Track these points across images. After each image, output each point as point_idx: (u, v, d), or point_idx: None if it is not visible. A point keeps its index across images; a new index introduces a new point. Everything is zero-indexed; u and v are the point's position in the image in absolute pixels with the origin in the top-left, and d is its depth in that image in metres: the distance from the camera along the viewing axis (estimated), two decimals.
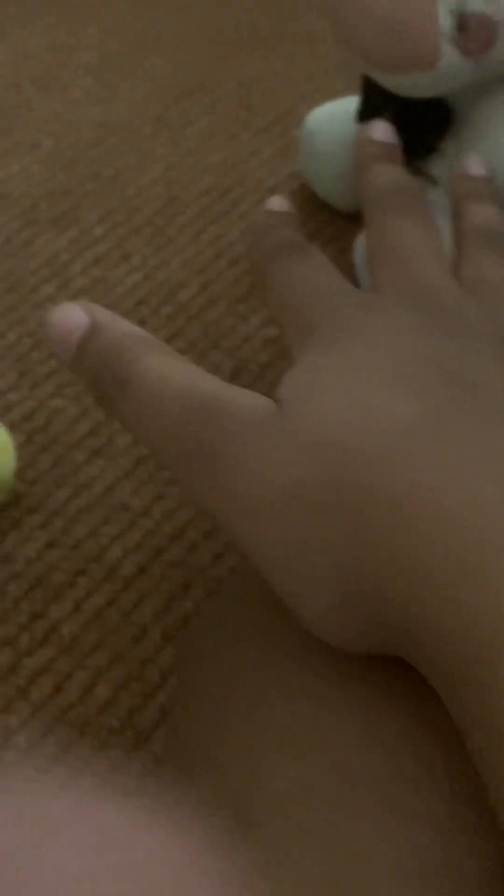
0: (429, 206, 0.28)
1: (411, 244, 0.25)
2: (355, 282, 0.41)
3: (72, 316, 0.23)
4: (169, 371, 0.21)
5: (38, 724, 0.30)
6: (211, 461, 0.20)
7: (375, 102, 0.38)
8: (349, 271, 0.42)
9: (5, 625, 0.32)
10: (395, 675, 0.19)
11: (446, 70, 0.32)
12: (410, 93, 0.33)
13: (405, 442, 0.18)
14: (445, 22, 0.30)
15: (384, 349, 0.20)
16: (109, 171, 0.48)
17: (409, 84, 0.33)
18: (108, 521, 0.35)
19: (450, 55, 0.31)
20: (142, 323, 0.41)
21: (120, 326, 0.23)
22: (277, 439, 0.19)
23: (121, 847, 0.11)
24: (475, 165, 0.31)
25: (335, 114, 0.43)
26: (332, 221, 0.44)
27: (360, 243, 0.40)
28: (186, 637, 0.30)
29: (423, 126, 0.36)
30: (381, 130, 0.31)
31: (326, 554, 0.18)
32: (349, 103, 0.43)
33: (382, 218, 0.26)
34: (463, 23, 0.30)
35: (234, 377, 0.39)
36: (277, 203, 0.29)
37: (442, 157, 0.36)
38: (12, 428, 0.37)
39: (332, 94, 0.51)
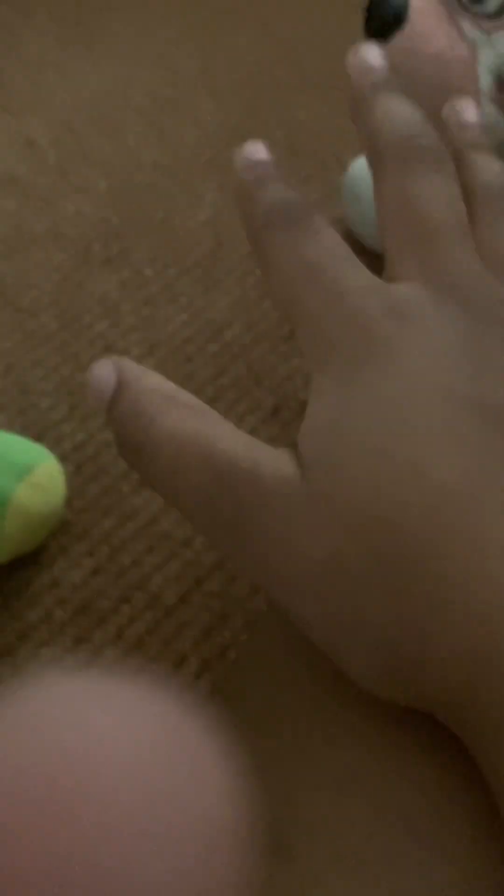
0: (450, 159, 0.23)
1: (437, 214, 0.21)
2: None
3: (101, 375, 0.22)
4: (186, 434, 0.20)
5: None
6: (238, 534, 0.19)
7: None
8: None
9: (51, 648, 0.34)
10: (433, 721, 0.19)
11: (485, 126, 0.33)
12: None
13: (448, 513, 0.17)
14: (485, 82, 0.32)
15: (420, 384, 0.18)
16: (160, 214, 0.50)
17: None
18: (152, 550, 0.36)
19: (489, 112, 0.33)
20: (188, 360, 0.43)
21: (142, 384, 0.21)
22: (307, 510, 0.18)
23: (149, 718, 0.12)
24: (469, 111, 0.25)
25: None
26: (372, 266, 0.46)
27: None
28: (228, 671, 0.31)
29: None
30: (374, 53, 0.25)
31: (372, 630, 0.17)
32: None
33: (403, 173, 0.22)
34: (502, 83, 0.32)
35: (274, 413, 0.40)
36: (259, 150, 0.24)
37: None
38: (63, 458, 0.39)
39: None
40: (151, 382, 0.21)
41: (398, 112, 0.23)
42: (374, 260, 0.46)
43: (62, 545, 0.36)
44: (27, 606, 0.35)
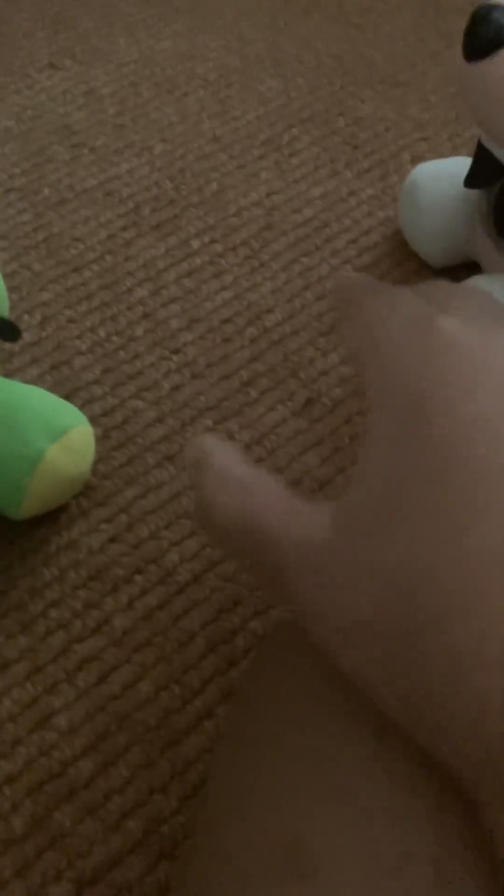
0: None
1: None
2: None
3: (189, 454, 0.24)
4: (235, 508, 0.22)
5: (80, 708, 0.32)
6: (275, 586, 0.20)
7: (486, 173, 0.39)
8: None
9: (61, 609, 0.34)
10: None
11: None
12: None
13: (477, 582, 0.17)
14: None
15: (471, 453, 0.18)
16: (214, 187, 0.50)
17: None
18: (171, 526, 0.36)
19: None
20: (226, 341, 0.43)
21: (210, 462, 0.23)
22: (347, 572, 0.19)
23: None
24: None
25: (441, 171, 0.44)
26: (420, 273, 0.46)
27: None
28: (239, 681, 0.32)
29: None
30: None
31: (396, 689, 0.18)
32: (455, 164, 0.44)
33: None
34: None
35: (306, 406, 0.40)
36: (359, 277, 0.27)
37: None
38: (91, 421, 0.39)
39: (437, 148, 0.52)
40: (211, 460, 0.23)
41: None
42: (420, 268, 0.46)
43: (83, 509, 0.37)
44: (42, 564, 0.35)
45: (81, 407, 0.40)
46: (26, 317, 0.43)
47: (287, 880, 0.19)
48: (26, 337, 0.42)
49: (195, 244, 0.47)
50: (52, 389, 0.40)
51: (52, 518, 0.36)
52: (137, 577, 0.35)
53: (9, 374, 0.40)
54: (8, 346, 0.42)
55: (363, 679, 0.19)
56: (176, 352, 0.42)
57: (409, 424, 0.19)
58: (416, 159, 0.51)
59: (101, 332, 0.43)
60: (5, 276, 0.44)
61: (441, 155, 0.51)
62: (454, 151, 0.52)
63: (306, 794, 0.20)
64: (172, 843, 0.29)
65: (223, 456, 0.23)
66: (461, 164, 0.44)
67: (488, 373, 0.19)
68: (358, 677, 0.19)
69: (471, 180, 0.41)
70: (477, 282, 0.40)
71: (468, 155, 0.42)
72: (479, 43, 0.32)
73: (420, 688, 0.18)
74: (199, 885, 0.21)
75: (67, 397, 0.40)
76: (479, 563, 0.17)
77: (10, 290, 0.44)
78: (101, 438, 0.39)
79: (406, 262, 0.46)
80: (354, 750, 0.20)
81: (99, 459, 0.38)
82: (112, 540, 0.36)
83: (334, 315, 0.44)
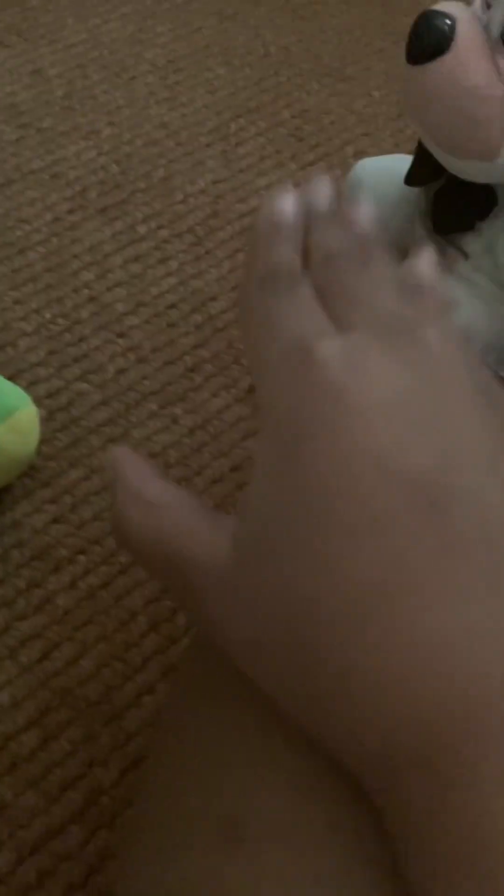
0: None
1: (357, 284, 0.23)
2: None
3: (107, 469, 0.25)
4: (145, 529, 0.22)
5: (22, 684, 0.32)
6: (184, 601, 0.21)
7: (426, 172, 0.41)
8: None
9: (4, 587, 0.35)
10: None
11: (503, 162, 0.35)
12: (465, 175, 0.36)
13: (355, 605, 0.18)
14: None
15: (354, 465, 0.19)
16: (161, 173, 0.50)
17: (466, 168, 0.36)
18: None
19: None
20: (171, 326, 0.43)
21: (120, 480, 0.23)
22: (233, 594, 0.20)
23: None
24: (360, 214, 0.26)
25: (382, 168, 0.46)
26: None
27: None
28: (180, 659, 0.33)
29: (466, 204, 0.39)
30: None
31: (293, 702, 0.19)
32: (397, 161, 0.46)
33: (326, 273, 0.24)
34: None
35: (249, 393, 0.42)
36: (286, 208, 0.25)
37: (478, 235, 0.39)
38: (36, 403, 0.39)
39: (380, 143, 0.54)
40: (127, 479, 0.23)
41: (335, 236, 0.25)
42: None
43: (27, 489, 0.37)
44: None
45: (26, 388, 0.40)
46: None
47: (220, 848, 0.20)
48: None
49: (141, 229, 0.47)
50: None
51: None
52: (80, 557, 0.36)
53: None
54: None
55: (266, 688, 0.20)
56: (121, 335, 0.43)
57: (287, 457, 0.20)
58: (359, 154, 0.52)
59: (47, 314, 0.43)
60: None
61: (383, 151, 0.53)
62: (396, 148, 0.53)
63: (240, 770, 0.21)
64: (112, 813, 0.30)
65: (136, 471, 0.23)
66: (403, 161, 0.46)
67: (357, 412, 0.20)
68: (262, 686, 0.20)
69: (411, 178, 0.42)
70: None
71: (410, 152, 0.43)
72: (421, 47, 0.33)
73: (312, 702, 0.19)
74: (138, 854, 0.22)
75: (12, 378, 0.40)
76: (356, 589, 0.18)
77: None
78: (46, 420, 0.39)
79: None
80: (284, 729, 0.21)
81: (43, 441, 0.38)
82: (56, 521, 0.36)
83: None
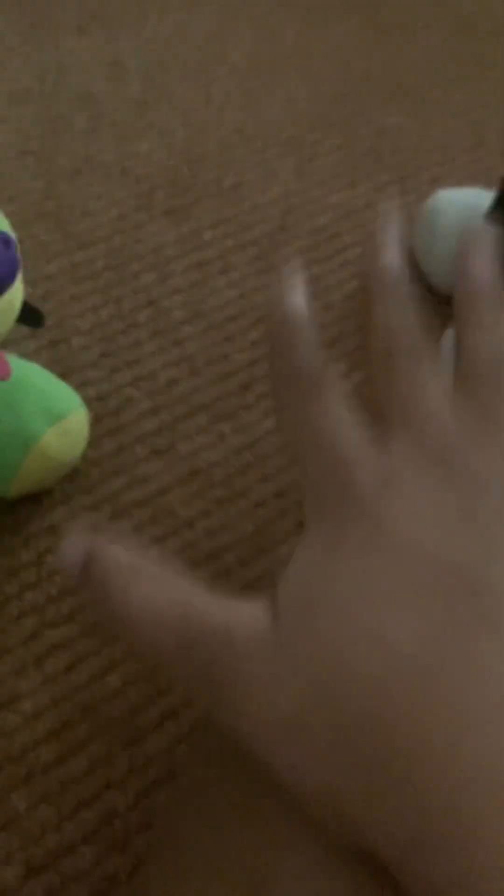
0: (431, 349, 0.24)
1: (422, 391, 0.23)
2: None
3: (70, 551, 0.22)
4: (160, 604, 0.21)
5: (45, 695, 0.32)
6: (213, 687, 0.20)
7: None
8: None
9: (36, 592, 0.34)
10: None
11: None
12: None
13: (399, 683, 0.18)
14: None
15: (394, 550, 0.20)
16: (231, 180, 0.49)
17: None
18: (155, 521, 0.36)
19: None
20: (227, 339, 0.43)
21: (109, 557, 0.22)
22: (275, 663, 0.19)
23: None
24: (480, 272, 0.25)
25: (460, 200, 0.45)
26: (424, 296, 0.46)
27: (450, 335, 0.42)
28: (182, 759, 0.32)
29: None
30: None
31: (325, 779, 0.19)
32: (475, 195, 0.45)
33: (390, 360, 0.24)
34: None
35: None
36: (299, 306, 0.26)
37: None
38: (85, 404, 0.39)
39: (456, 171, 0.53)
40: (119, 555, 0.23)
41: (401, 313, 0.25)
42: (430, 294, 0.46)
43: (67, 493, 0.36)
44: (21, 546, 0.35)
45: (76, 388, 0.39)
46: (29, 288, 0.43)
47: None
48: None
49: (207, 236, 0.46)
50: (47, 367, 0.40)
51: (34, 499, 0.36)
52: None
53: (5, 346, 0.40)
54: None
55: (291, 777, 0.19)
56: (176, 344, 0.42)
57: (332, 543, 0.20)
58: (435, 180, 0.51)
59: (104, 314, 0.42)
60: None
61: (459, 179, 0.52)
62: (471, 178, 0.52)
63: (270, 837, 0.21)
64: (125, 837, 0.30)
65: (122, 552, 0.22)
66: (480, 196, 0.45)
67: (397, 530, 0.21)
68: (285, 775, 0.19)
69: (493, 215, 0.41)
70: None
71: (486, 184, 0.42)
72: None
73: (351, 781, 0.18)
74: (158, 889, 0.22)
75: (63, 376, 0.40)
76: (394, 656, 0.18)
77: None
78: (93, 423, 0.38)
79: (418, 292, 0.47)
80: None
81: (88, 444, 0.38)
82: (94, 528, 0.36)
83: (335, 331, 0.44)
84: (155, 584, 0.21)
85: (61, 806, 0.30)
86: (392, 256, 0.26)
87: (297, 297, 0.25)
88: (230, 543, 0.36)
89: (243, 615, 0.20)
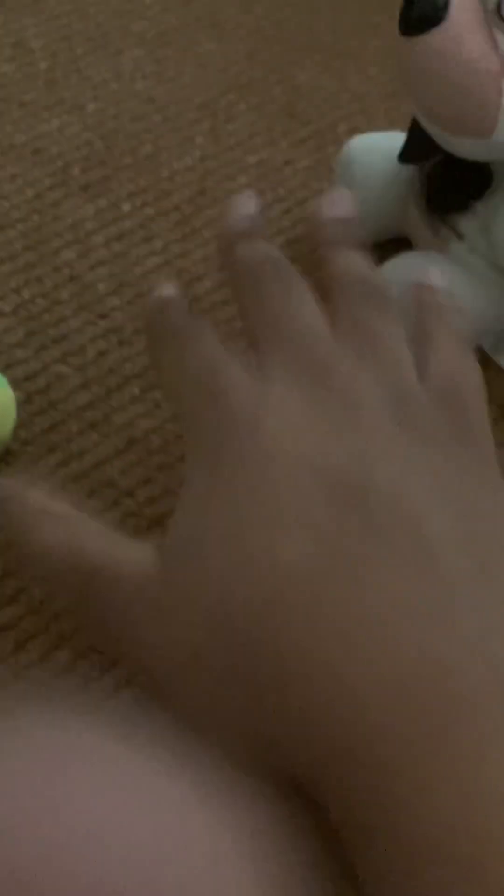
0: (298, 276, 0.26)
1: (292, 312, 0.24)
2: None
3: None
4: (55, 545, 0.21)
5: None
6: (108, 631, 0.20)
7: (420, 149, 0.40)
8: None
9: None
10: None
11: (500, 140, 0.33)
12: (460, 153, 0.35)
13: (285, 592, 0.18)
14: None
15: (274, 463, 0.19)
16: (147, 149, 0.49)
17: (461, 146, 0.34)
18: (93, 494, 0.36)
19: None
20: None
21: (16, 498, 0.23)
22: (165, 609, 0.19)
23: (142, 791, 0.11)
24: (341, 206, 0.28)
25: (376, 145, 0.44)
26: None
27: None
28: None
29: (461, 183, 0.38)
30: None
31: (234, 715, 0.18)
32: (391, 139, 0.44)
33: (258, 287, 0.25)
34: None
35: None
36: (168, 289, 0.28)
37: (473, 215, 0.38)
38: (13, 385, 0.38)
39: (374, 119, 0.52)
40: (30, 497, 0.23)
41: (259, 247, 0.27)
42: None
43: (3, 474, 0.36)
44: None
45: (3, 371, 0.38)
46: None
47: None
48: None
49: (126, 207, 0.46)
50: None
51: None
52: None
53: None
54: None
55: (192, 708, 0.19)
56: (103, 317, 0.41)
57: (210, 471, 0.20)
58: (353, 131, 0.51)
59: (26, 294, 0.42)
60: None
61: (378, 128, 0.51)
62: (391, 125, 0.52)
63: None
64: None
65: (37, 493, 0.22)
66: (396, 139, 0.44)
67: (272, 434, 0.21)
68: (186, 708, 0.19)
69: (405, 156, 0.41)
70: (406, 258, 0.41)
71: (404, 130, 0.42)
72: (414, 19, 0.32)
73: (256, 701, 0.18)
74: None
75: None
76: (287, 576, 0.18)
77: None
78: (23, 403, 0.38)
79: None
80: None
81: (20, 425, 0.37)
82: None
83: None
84: (55, 526, 0.21)
85: None
86: (248, 207, 0.28)
87: (167, 288, 0.28)
88: (173, 508, 0.36)
89: (132, 554, 0.20)
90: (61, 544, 0.21)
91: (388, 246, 0.45)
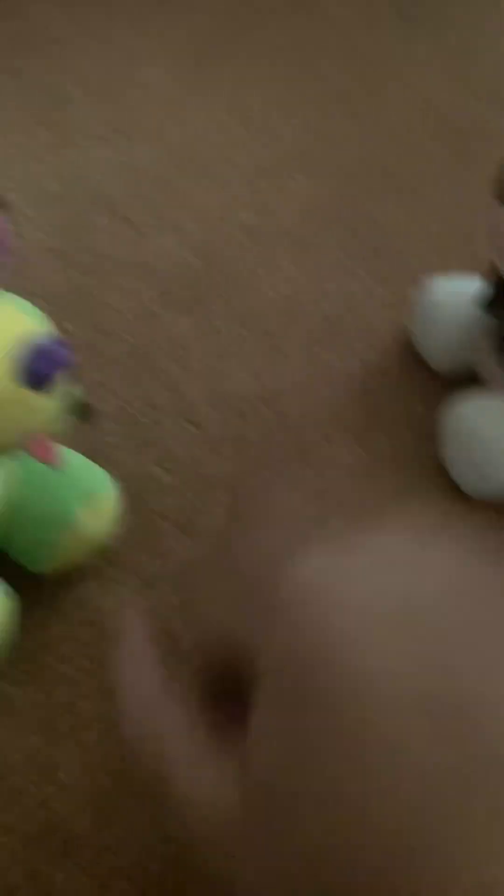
0: None
1: None
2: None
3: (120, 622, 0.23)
4: (133, 726, 0.20)
5: (79, 764, 0.33)
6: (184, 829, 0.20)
7: (501, 301, 0.43)
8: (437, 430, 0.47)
9: (69, 666, 0.35)
10: None
11: None
12: None
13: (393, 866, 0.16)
14: None
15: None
16: (240, 273, 0.53)
17: None
18: (177, 590, 0.38)
19: None
20: (241, 415, 0.45)
21: (128, 644, 0.22)
22: (244, 848, 0.18)
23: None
24: None
25: (456, 290, 0.48)
26: (430, 381, 0.49)
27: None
28: None
29: None
30: None
31: None
32: (469, 284, 0.48)
33: None
34: None
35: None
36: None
37: None
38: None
39: (447, 262, 0.56)
40: (133, 644, 0.23)
41: None
42: (430, 376, 0.49)
43: (95, 567, 0.38)
44: (53, 619, 0.36)
45: (102, 467, 0.41)
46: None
47: None
48: None
49: (219, 323, 0.49)
50: (74, 448, 0.42)
51: (61, 572, 0.38)
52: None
53: None
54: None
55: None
56: (196, 425, 0.44)
57: (289, 689, 0.18)
58: (429, 269, 0.55)
59: (127, 398, 0.45)
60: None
61: (451, 268, 0.55)
62: (462, 266, 0.56)
63: None
64: None
65: (138, 642, 0.22)
66: (472, 284, 0.48)
67: (342, 631, 0.17)
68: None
69: (487, 305, 0.44)
70: (476, 402, 0.44)
71: (477, 271, 0.45)
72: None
73: None
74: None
75: (89, 457, 0.42)
76: (383, 836, 0.16)
77: None
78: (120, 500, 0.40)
79: (416, 372, 0.49)
80: None
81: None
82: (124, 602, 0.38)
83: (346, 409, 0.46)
84: (142, 711, 0.21)
85: (98, 875, 0.31)
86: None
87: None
88: None
89: (215, 791, 0.19)
90: (143, 751, 0.21)
91: (461, 380, 0.48)
